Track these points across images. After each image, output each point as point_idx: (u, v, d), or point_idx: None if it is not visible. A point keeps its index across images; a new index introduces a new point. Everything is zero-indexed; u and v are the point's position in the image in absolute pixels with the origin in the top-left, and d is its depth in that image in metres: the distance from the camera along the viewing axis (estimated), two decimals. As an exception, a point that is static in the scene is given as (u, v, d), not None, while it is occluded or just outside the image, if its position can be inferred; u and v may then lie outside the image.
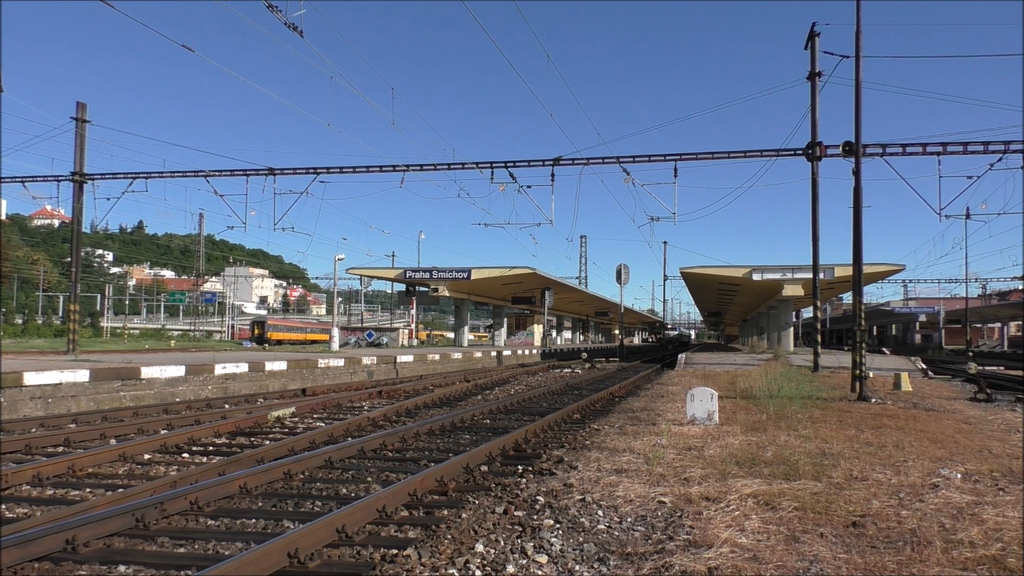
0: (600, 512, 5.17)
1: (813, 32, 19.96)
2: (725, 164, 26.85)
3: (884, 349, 51.21)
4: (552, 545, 4.49)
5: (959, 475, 6.21)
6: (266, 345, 55.93)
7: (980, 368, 29.89)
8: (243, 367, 18.04)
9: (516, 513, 5.29)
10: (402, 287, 48.25)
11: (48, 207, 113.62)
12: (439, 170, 25.70)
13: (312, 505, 6.24)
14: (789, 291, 38.05)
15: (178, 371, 15.99)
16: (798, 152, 21.60)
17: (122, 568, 4.59)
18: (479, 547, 4.53)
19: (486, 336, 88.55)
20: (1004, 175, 21.89)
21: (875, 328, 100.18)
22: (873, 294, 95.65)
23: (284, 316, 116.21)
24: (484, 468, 7.67)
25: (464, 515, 5.44)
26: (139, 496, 6.00)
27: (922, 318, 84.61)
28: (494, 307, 57.53)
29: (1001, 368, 35.18)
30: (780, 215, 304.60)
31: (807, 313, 72.74)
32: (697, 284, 51.87)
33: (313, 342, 68.63)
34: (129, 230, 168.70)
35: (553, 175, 24.61)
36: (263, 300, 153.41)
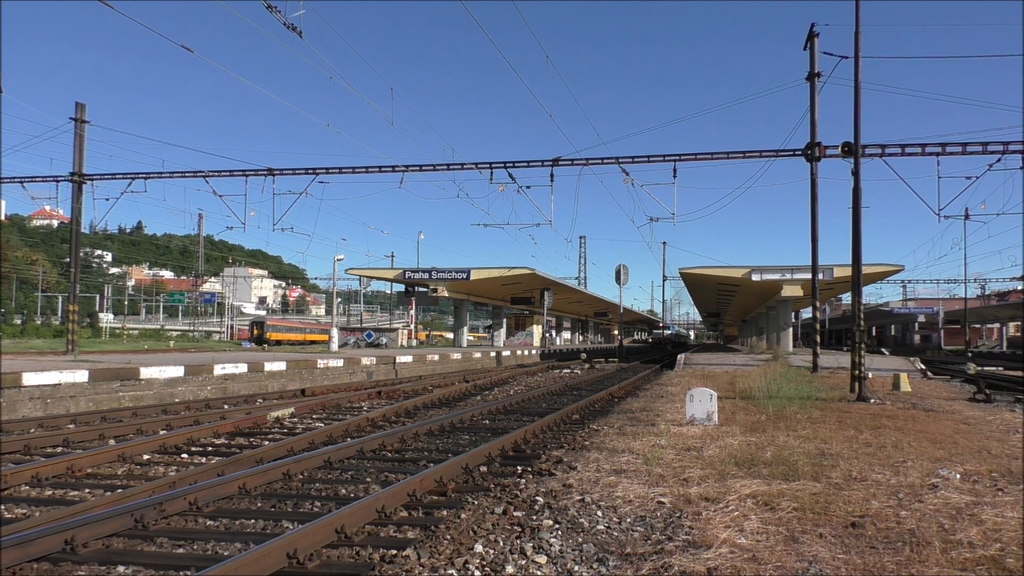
0: (599, 512, 5.17)
1: (812, 33, 19.99)
2: (724, 164, 26.92)
3: (883, 349, 51.33)
4: (551, 545, 4.49)
5: (958, 476, 6.21)
6: (265, 345, 55.85)
7: (979, 368, 29.92)
8: (242, 367, 18.03)
9: (515, 513, 5.29)
10: (401, 287, 48.24)
11: (47, 207, 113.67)
12: (438, 170, 25.75)
13: (311, 505, 6.24)
14: (788, 292, 38.06)
15: (177, 371, 15.99)
16: (797, 152, 21.62)
17: (121, 568, 4.59)
18: (478, 547, 4.53)
19: (485, 336, 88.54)
20: (1003, 175, 21.95)
21: (874, 329, 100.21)
22: (872, 294, 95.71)
23: (283, 316, 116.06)
24: (483, 469, 7.67)
25: (463, 515, 5.44)
26: (138, 497, 6.00)
27: (921, 319, 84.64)
28: (493, 308, 57.52)
29: (1000, 368, 35.22)
30: (779, 215, 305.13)
31: (806, 314, 72.81)
32: (696, 285, 51.89)
33: (312, 342, 68.57)
34: (128, 230, 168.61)
35: (552, 175, 24.67)
36: (262, 300, 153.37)
